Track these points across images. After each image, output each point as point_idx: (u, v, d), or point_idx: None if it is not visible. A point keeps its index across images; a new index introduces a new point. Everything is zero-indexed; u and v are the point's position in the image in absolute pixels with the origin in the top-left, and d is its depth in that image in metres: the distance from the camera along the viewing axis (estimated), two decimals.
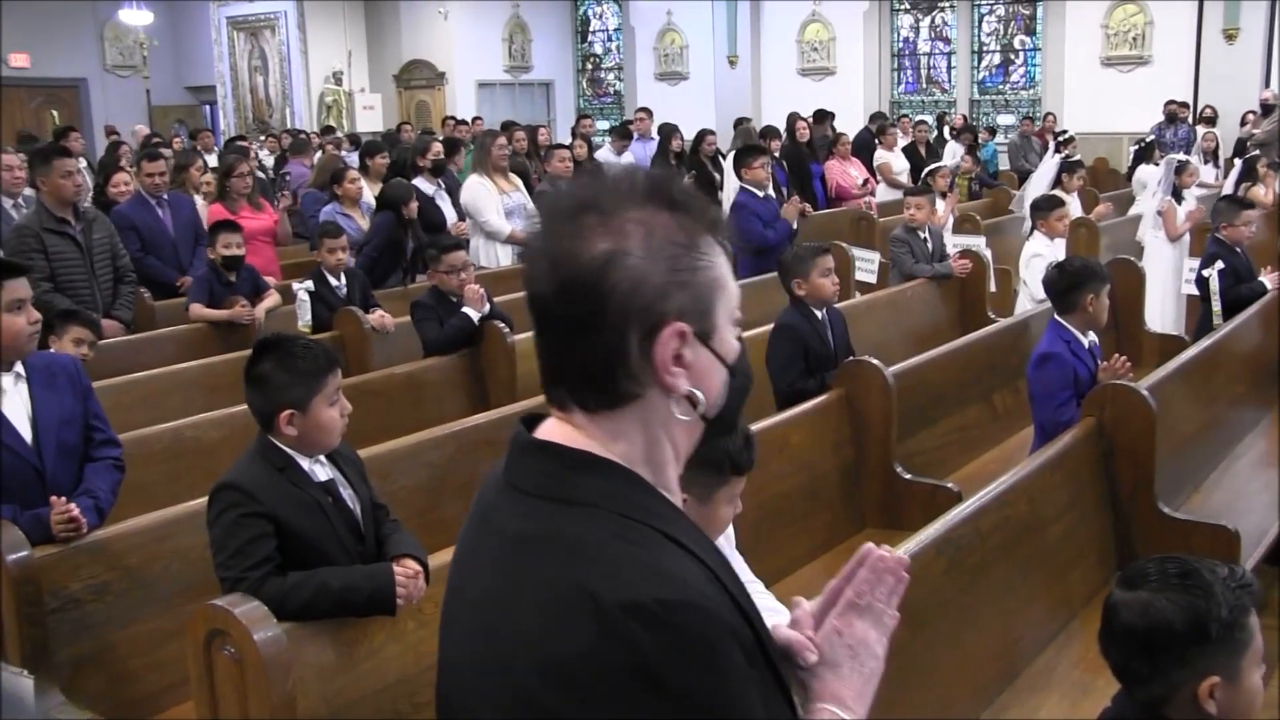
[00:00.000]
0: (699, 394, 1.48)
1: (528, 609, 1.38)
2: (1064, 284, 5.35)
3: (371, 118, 23.38)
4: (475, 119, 19.49)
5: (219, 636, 3.24)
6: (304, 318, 7.41)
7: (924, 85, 22.73)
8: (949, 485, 5.36)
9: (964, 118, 18.61)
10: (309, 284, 7.48)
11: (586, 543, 1.39)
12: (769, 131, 13.45)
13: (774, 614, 1.97)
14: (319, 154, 13.60)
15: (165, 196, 8.59)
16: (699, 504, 2.63)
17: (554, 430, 1.51)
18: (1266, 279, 7.70)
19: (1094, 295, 5.29)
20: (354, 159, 12.37)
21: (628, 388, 1.46)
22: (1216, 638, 2.24)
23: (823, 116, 15.16)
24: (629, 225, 1.43)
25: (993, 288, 8.90)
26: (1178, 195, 9.89)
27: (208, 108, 26.40)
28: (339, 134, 18.24)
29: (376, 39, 24.27)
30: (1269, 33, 18.58)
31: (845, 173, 13.08)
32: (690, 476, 2.56)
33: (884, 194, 13.30)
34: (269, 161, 15.46)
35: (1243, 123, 16.82)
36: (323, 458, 3.61)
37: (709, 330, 1.48)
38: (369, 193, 9.74)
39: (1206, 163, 14.84)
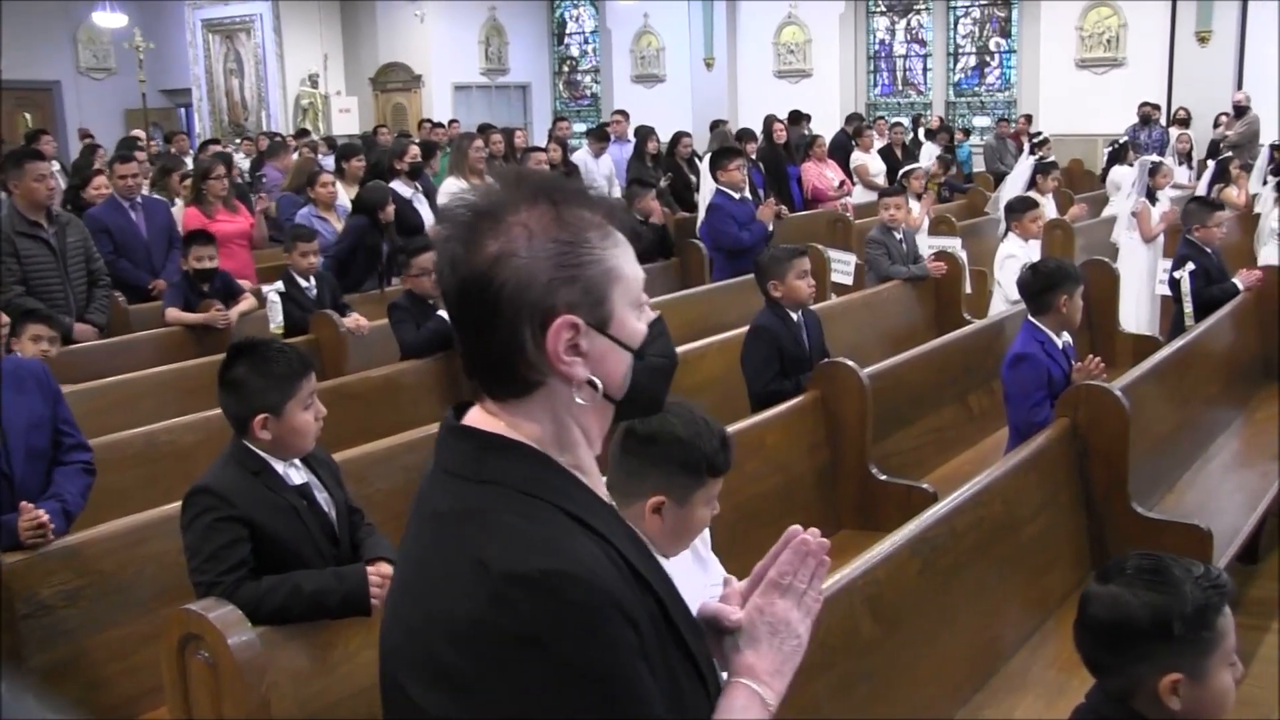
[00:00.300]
0: (598, 380, 1.58)
1: (435, 578, 1.51)
2: (1038, 285, 5.37)
3: (348, 120, 23.30)
4: (452, 122, 19.45)
5: (193, 641, 3.23)
6: (275, 319, 7.39)
7: (900, 87, 22.78)
8: (924, 486, 5.37)
9: (940, 119, 18.65)
10: (279, 285, 7.46)
11: (487, 517, 1.51)
12: (744, 134, 13.47)
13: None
14: (295, 156, 13.54)
15: (139, 199, 8.55)
16: (676, 506, 2.65)
17: (477, 416, 1.62)
18: (1238, 280, 7.75)
19: (1067, 296, 5.32)
20: (330, 162, 12.33)
21: (530, 377, 1.57)
22: (1180, 635, 2.24)
23: (799, 118, 15.18)
24: (515, 227, 1.54)
25: (968, 289, 8.94)
26: (1152, 196, 9.95)
27: (183, 111, 26.29)
28: (314, 137, 18.15)
29: (353, 41, 24.19)
30: (1240, 35, 18.69)
31: (821, 175, 13.10)
32: (668, 479, 2.60)
33: (860, 196, 13.34)
34: (245, 165, 15.39)
35: (1216, 124, 16.93)
36: (298, 461, 3.60)
37: (604, 318, 1.58)
38: (344, 196, 9.72)
39: (1181, 164, 14.92)
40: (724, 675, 1.71)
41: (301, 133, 18.68)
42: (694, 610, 1.72)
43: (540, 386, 1.57)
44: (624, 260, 1.61)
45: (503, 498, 1.52)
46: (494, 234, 1.53)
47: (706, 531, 2.91)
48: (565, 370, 1.56)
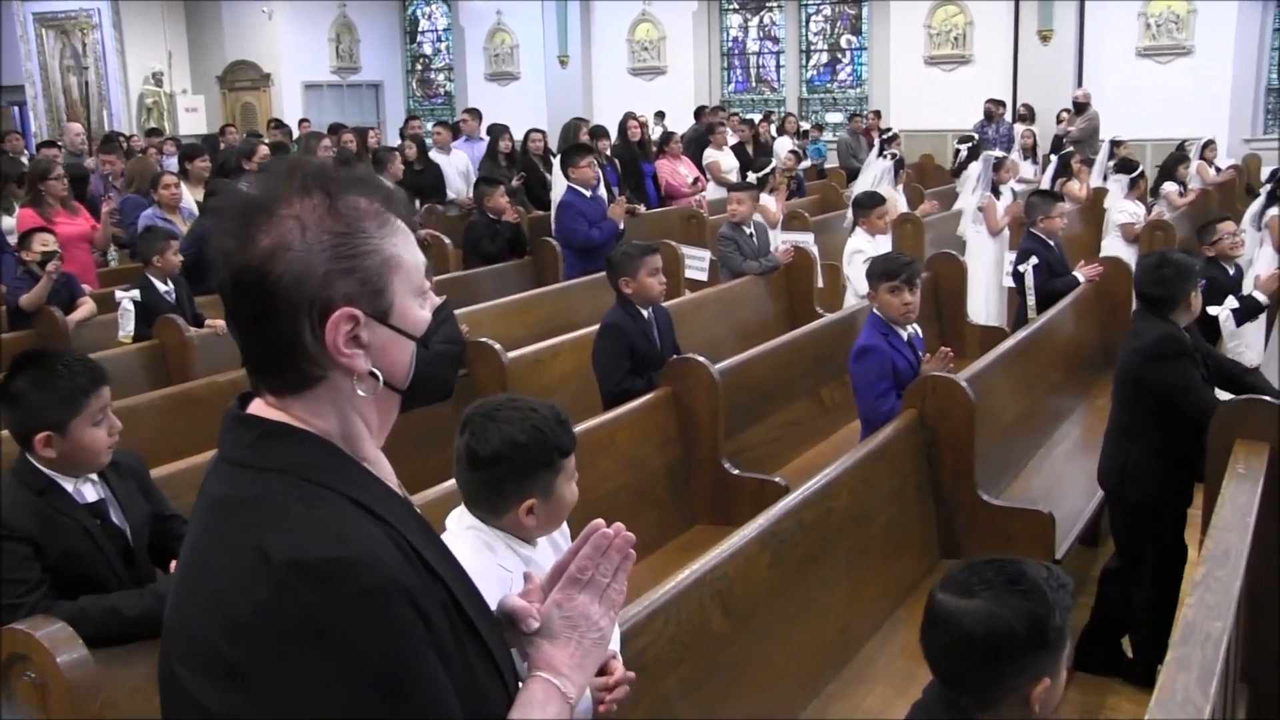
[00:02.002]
0: (379, 371, 1.57)
1: (215, 568, 1.46)
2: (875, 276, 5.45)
3: (195, 120, 22.71)
4: (302, 121, 19.13)
5: (20, 661, 3.09)
6: (126, 328, 7.18)
7: (753, 84, 23.02)
8: (777, 479, 5.40)
9: (792, 116, 18.85)
10: (135, 293, 7.23)
11: (267, 504, 1.47)
12: (597, 131, 13.46)
13: None
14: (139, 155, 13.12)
15: None
16: (544, 500, 2.68)
17: (260, 406, 1.59)
18: (1079, 272, 7.94)
19: (892, 287, 5.35)
20: (174, 163, 11.98)
21: (310, 371, 1.54)
22: (1053, 641, 2.26)
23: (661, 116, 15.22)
24: (288, 220, 1.51)
25: (820, 283, 9.02)
26: (996, 191, 10.16)
27: (16, 109, 25.32)
28: (162, 136, 17.64)
29: (198, 39, 23.60)
30: (1079, 34, 19.25)
31: (675, 171, 13.13)
32: (529, 483, 2.62)
33: (714, 192, 13.39)
34: (90, 163, 14.86)
35: (1058, 120, 17.40)
36: (94, 476, 3.45)
37: (385, 308, 1.56)
38: (189, 198, 9.44)
39: (1025, 159, 15.28)
40: (524, 666, 1.71)
41: (152, 132, 18.18)
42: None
43: (321, 380, 1.55)
44: (404, 248, 1.59)
45: (285, 485, 1.49)
46: (266, 227, 1.50)
47: (565, 526, 2.90)
48: (346, 363, 1.54)
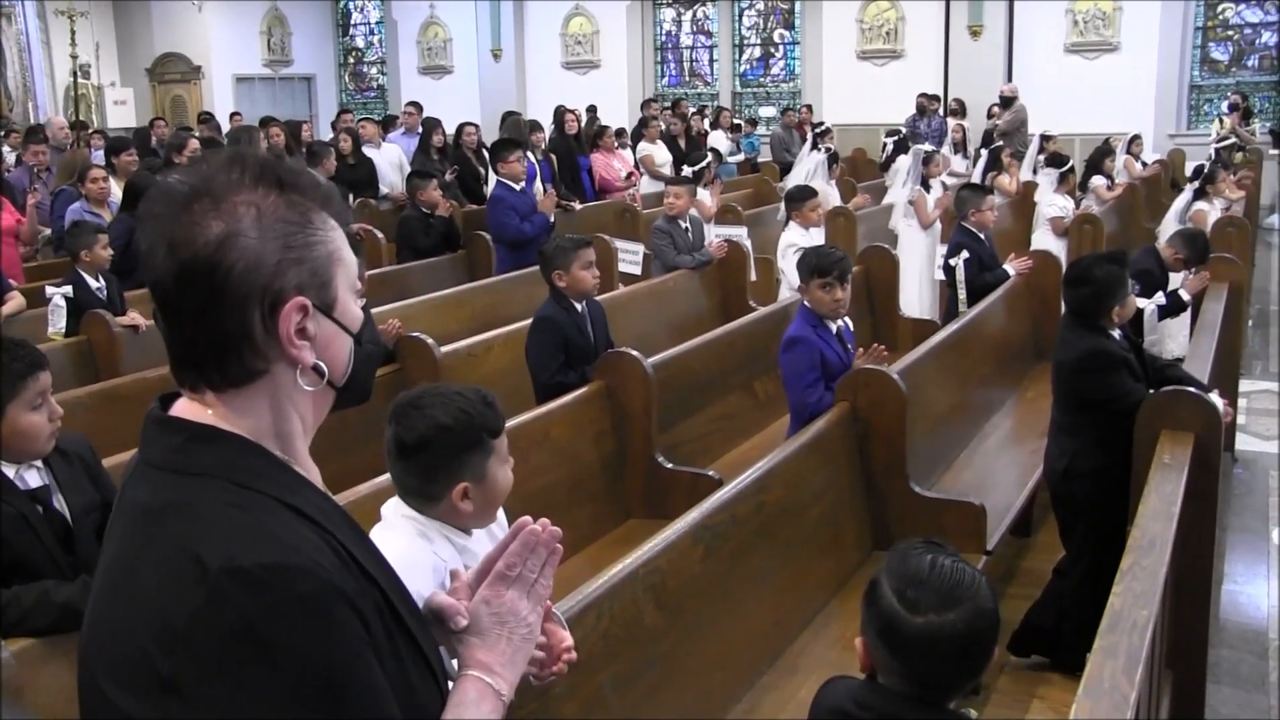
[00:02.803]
0: (323, 365, 1.55)
1: (144, 576, 1.41)
2: (806, 270, 5.46)
3: (124, 113, 22.40)
4: (234, 114, 18.92)
5: None
6: (57, 324, 7.06)
7: (687, 78, 23.08)
8: (710, 473, 5.40)
9: (726, 110, 18.90)
10: (67, 289, 7.11)
11: (198, 510, 1.43)
12: (533, 125, 13.43)
13: None
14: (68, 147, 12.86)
15: None
16: (478, 484, 2.68)
17: (184, 408, 1.53)
18: (1010, 265, 8.02)
19: (824, 282, 5.36)
20: (101, 156, 11.79)
21: (254, 365, 1.50)
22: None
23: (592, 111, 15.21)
24: (240, 207, 1.47)
25: (753, 277, 9.04)
26: (926, 184, 10.24)
27: None
28: (88, 129, 17.38)
29: (126, 31, 23.26)
30: (1009, 29, 19.47)
31: (610, 165, 13.13)
32: (460, 466, 2.63)
33: (647, 186, 13.39)
34: (11, 158, 14.59)
35: (989, 115, 17.59)
36: (38, 463, 3.40)
37: (330, 302, 1.54)
38: (118, 191, 9.30)
39: (957, 153, 15.43)
40: (453, 663, 1.70)
41: (79, 125, 17.88)
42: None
43: (263, 374, 1.51)
44: (343, 244, 1.58)
45: (215, 489, 1.45)
46: (217, 214, 1.46)
47: (503, 514, 2.89)
48: (295, 354, 1.51)
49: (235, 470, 1.47)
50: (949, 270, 8.09)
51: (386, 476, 2.80)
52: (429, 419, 2.67)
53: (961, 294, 7.89)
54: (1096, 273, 4.86)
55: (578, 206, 11.68)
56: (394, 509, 2.76)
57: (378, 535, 2.67)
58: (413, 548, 2.64)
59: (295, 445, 1.57)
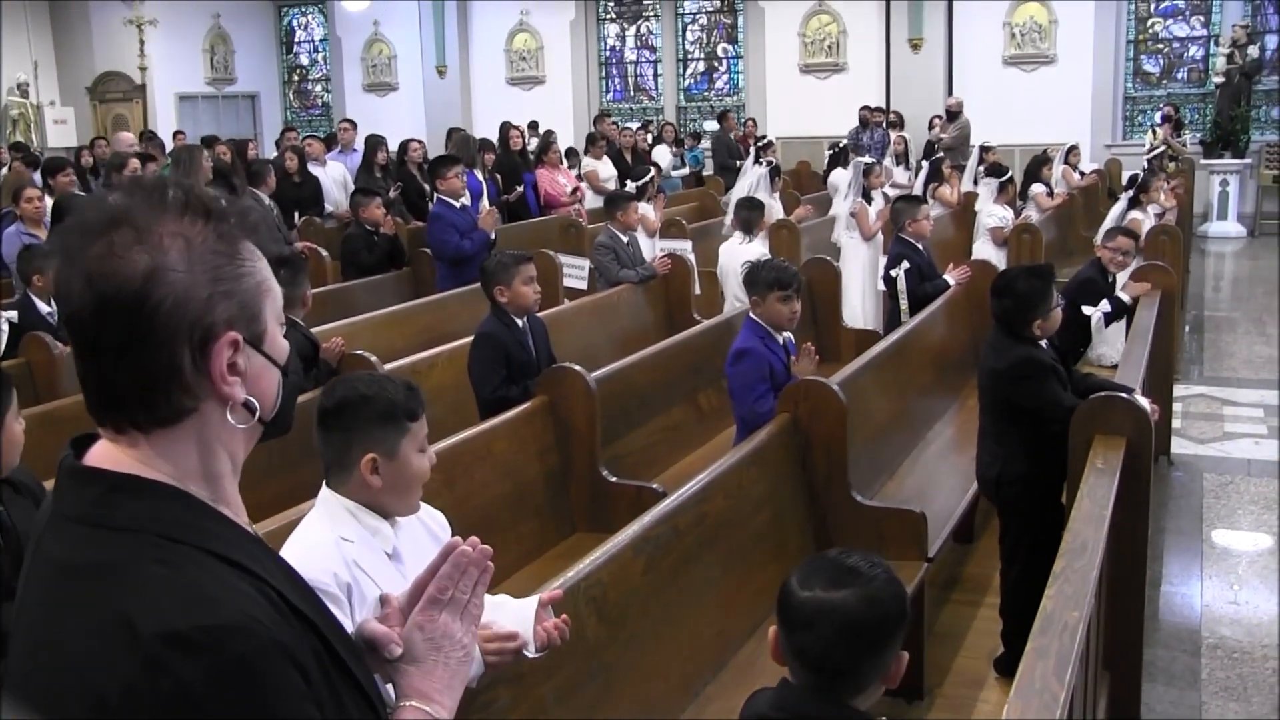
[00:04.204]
0: (254, 401, 1.48)
1: (71, 642, 1.33)
2: (755, 281, 5.53)
3: (64, 132, 22.08)
4: (177, 133, 18.78)
5: None
6: None
7: (631, 92, 23.16)
8: (653, 486, 5.43)
9: (670, 124, 18.97)
10: (13, 315, 7.03)
11: (125, 569, 1.35)
12: (483, 144, 13.44)
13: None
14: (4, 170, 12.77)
15: None
16: (388, 459, 2.71)
17: (102, 454, 1.45)
18: (949, 275, 8.12)
19: (778, 295, 5.44)
20: (38, 177, 11.68)
21: (182, 404, 1.43)
22: (907, 614, 2.37)
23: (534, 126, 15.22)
24: (167, 239, 1.40)
25: (697, 290, 9.09)
26: (867, 196, 10.34)
27: None
28: (25, 150, 17.17)
29: (66, 49, 22.91)
30: (948, 42, 19.69)
31: (554, 180, 13.14)
32: (371, 436, 2.68)
33: (592, 201, 13.43)
34: None
35: (930, 126, 17.77)
36: None
37: (260, 334, 1.48)
38: None
39: (898, 165, 15.58)
40: (388, 688, 1.67)
41: (16, 146, 17.68)
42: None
43: (191, 414, 1.44)
44: (269, 273, 1.52)
45: (142, 546, 1.37)
46: (142, 246, 1.39)
47: (446, 521, 2.93)
48: (227, 391, 1.45)
49: (161, 523, 1.40)
50: (890, 281, 8.18)
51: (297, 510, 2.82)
52: (351, 388, 2.77)
53: (904, 304, 7.98)
54: (1019, 285, 4.94)
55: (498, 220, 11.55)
56: (315, 503, 2.82)
57: (291, 537, 2.72)
58: (313, 535, 2.69)
59: (224, 485, 1.50)
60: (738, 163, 15.79)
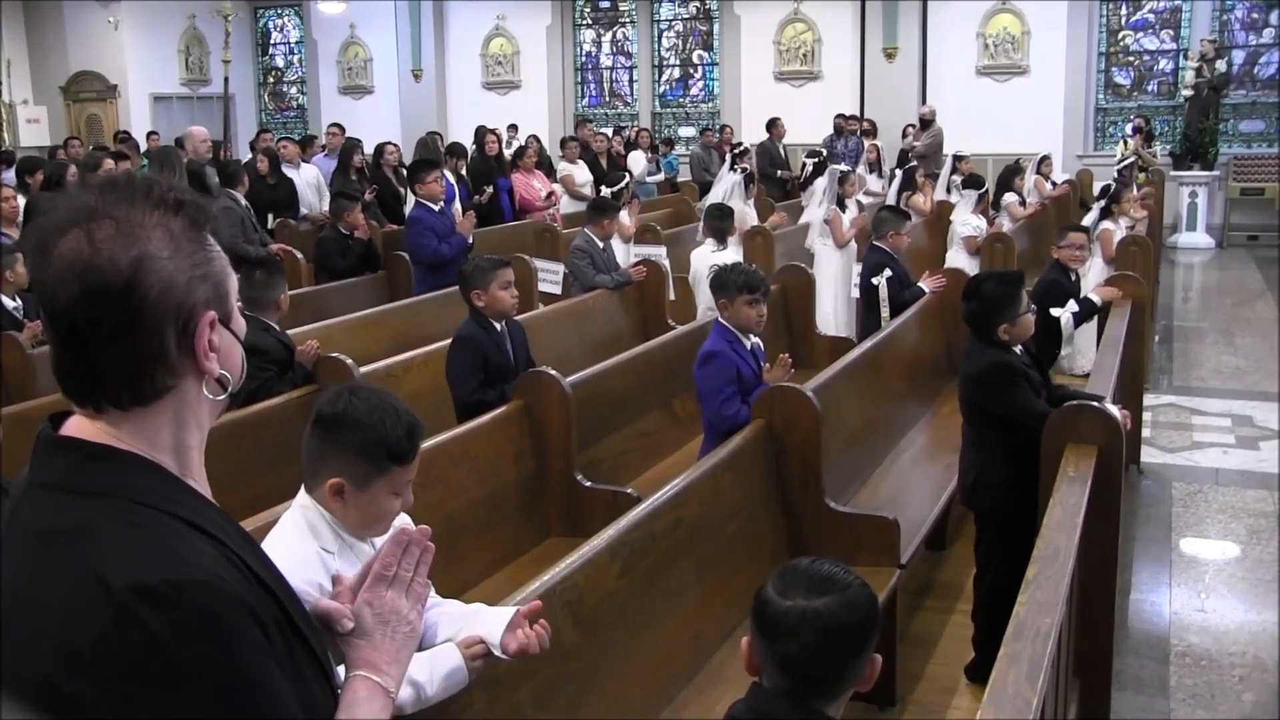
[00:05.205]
0: (228, 375, 1.62)
1: (46, 600, 1.41)
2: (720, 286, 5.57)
3: (37, 131, 21.98)
4: (151, 134, 18.73)
5: None
6: None
7: (607, 98, 23.18)
8: (628, 491, 5.44)
9: (645, 130, 18.99)
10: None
11: (98, 530, 1.44)
12: (455, 148, 13.43)
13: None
14: None
15: None
16: (356, 490, 2.66)
17: (78, 426, 1.55)
18: (924, 283, 8.17)
19: (746, 299, 5.48)
20: (11, 176, 11.61)
21: (164, 383, 1.54)
22: (881, 619, 2.41)
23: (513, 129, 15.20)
24: (153, 229, 1.52)
25: (672, 296, 9.11)
26: (841, 204, 10.39)
27: None
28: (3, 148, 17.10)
29: (39, 47, 22.77)
30: (922, 52, 19.81)
31: (529, 185, 13.15)
32: (346, 463, 2.62)
33: (568, 206, 13.45)
34: None
35: (904, 135, 17.87)
36: None
37: (228, 314, 1.63)
38: None
39: (871, 173, 15.66)
40: (340, 668, 1.76)
41: None
42: None
43: (169, 391, 1.55)
44: (227, 259, 1.64)
45: (114, 509, 1.47)
46: (129, 237, 1.49)
47: (412, 525, 2.93)
48: (207, 367, 1.56)
49: (132, 488, 1.50)
50: (870, 289, 8.22)
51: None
52: (353, 405, 2.68)
53: (885, 311, 8.01)
54: (985, 289, 5.01)
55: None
56: (294, 503, 2.79)
57: (269, 537, 2.70)
58: (296, 544, 2.66)
59: (192, 458, 1.61)
60: (710, 170, 15.93)
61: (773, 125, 17.56)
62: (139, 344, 1.50)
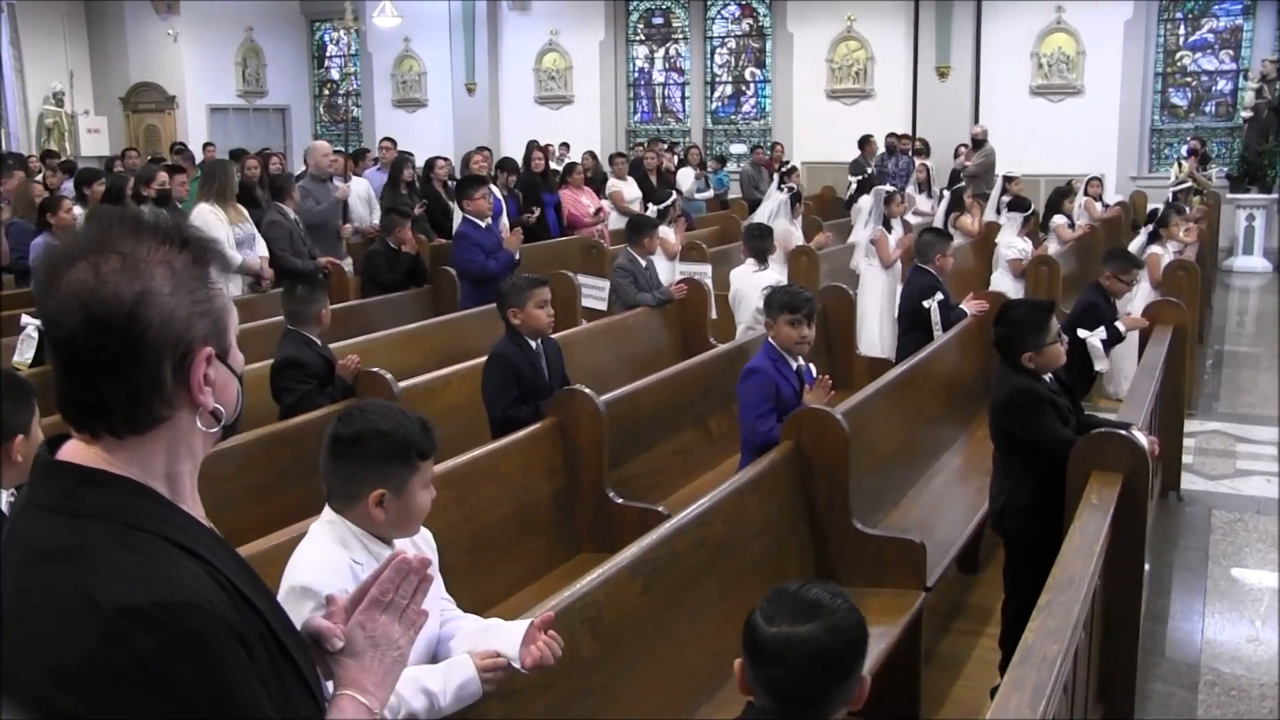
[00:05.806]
0: (221, 409, 1.66)
1: (37, 618, 1.47)
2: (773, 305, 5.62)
3: (97, 141, 22.35)
4: (207, 145, 18.97)
5: None
6: (24, 354, 7.03)
7: (659, 114, 23.26)
8: (659, 508, 5.47)
9: (696, 148, 19.03)
10: (40, 321, 7.10)
11: (90, 552, 1.50)
12: (506, 163, 13.52)
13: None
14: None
15: None
16: (395, 496, 2.80)
17: (75, 450, 1.60)
18: (965, 305, 8.15)
19: (787, 318, 5.52)
20: (70, 187, 11.83)
21: (160, 413, 1.59)
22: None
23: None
24: (155, 265, 1.57)
25: (714, 315, 9.13)
26: (887, 224, 10.39)
27: None
28: (58, 158, 17.37)
29: (101, 59, 23.18)
30: (975, 71, 19.74)
31: (578, 201, 13.22)
32: (383, 473, 2.75)
33: (616, 222, 13.49)
34: None
35: (956, 155, 17.80)
36: (15, 489, 3.47)
37: (225, 349, 1.67)
38: None
39: (921, 193, 15.62)
40: (329, 685, 1.80)
41: (48, 154, 17.90)
42: None
43: (165, 421, 1.60)
44: (228, 296, 1.71)
45: (106, 531, 1.52)
46: (134, 272, 1.55)
47: (432, 538, 3.02)
48: (202, 400, 1.62)
49: (125, 511, 1.55)
50: (910, 311, 8.18)
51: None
52: (368, 421, 2.82)
53: (938, 333, 7.96)
54: (1013, 315, 5.01)
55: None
56: (320, 519, 2.88)
57: (301, 547, 2.81)
58: (329, 554, 2.77)
59: (184, 485, 1.66)
60: (760, 188, 15.94)
61: (865, 143, 17.55)
62: (138, 374, 1.56)
